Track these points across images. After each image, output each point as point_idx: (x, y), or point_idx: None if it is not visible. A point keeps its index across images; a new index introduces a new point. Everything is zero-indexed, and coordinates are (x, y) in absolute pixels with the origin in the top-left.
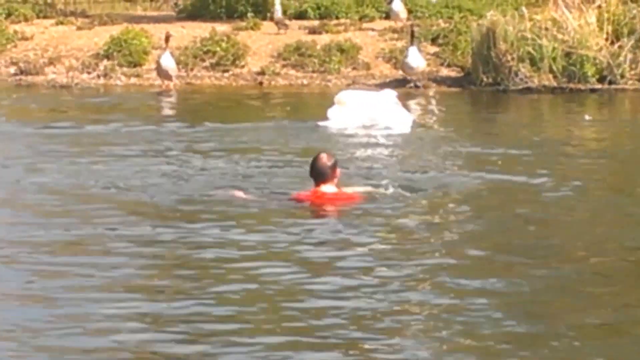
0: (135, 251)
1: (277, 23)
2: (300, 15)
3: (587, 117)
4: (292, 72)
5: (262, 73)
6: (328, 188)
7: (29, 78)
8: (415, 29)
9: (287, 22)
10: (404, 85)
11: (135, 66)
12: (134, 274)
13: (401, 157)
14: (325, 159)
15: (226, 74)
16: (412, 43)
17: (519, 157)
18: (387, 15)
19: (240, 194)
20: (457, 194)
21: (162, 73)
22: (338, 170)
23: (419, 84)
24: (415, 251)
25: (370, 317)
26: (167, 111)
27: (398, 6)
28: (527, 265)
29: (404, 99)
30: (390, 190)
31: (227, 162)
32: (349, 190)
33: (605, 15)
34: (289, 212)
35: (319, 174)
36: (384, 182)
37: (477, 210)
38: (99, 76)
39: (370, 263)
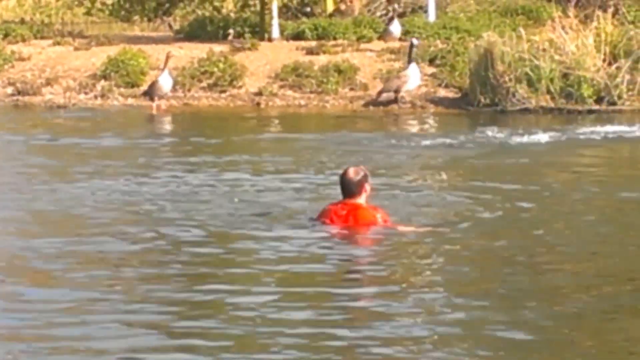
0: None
1: (231, 42)
2: (298, 36)
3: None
4: (289, 92)
5: (259, 94)
6: (353, 201)
7: (26, 98)
8: (415, 42)
9: (237, 43)
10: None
11: (132, 87)
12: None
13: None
14: (351, 174)
15: (223, 95)
16: (410, 60)
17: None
18: (381, 36)
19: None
20: (456, 222)
21: (157, 92)
22: (367, 186)
23: (404, 100)
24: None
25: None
26: (166, 130)
27: (397, 28)
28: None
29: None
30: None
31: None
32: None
33: (603, 36)
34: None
35: (345, 189)
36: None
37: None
38: (96, 97)
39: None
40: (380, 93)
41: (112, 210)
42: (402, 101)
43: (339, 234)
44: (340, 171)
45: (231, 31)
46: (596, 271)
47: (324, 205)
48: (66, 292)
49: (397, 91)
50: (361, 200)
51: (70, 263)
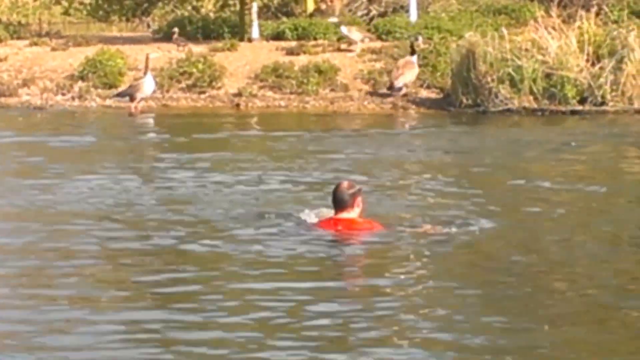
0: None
1: (175, 41)
2: (278, 36)
3: (573, 144)
4: (269, 93)
5: (239, 94)
6: (347, 215)
7: (2, 100)
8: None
9: (182, 42)
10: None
11: (110, 87)
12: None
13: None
14: (345, 186)
15: (202, 96)
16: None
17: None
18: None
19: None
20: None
21: (140, 94)
22: (359, 199)
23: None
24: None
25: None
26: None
27: (345, 30)
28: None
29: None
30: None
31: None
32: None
33: (586, 36)
34: (298, 238)
35: (337, 202)
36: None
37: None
38: (73, 98)
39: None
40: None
41: (87, 207)
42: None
43: (334, 238)
44: (335, 183)
45: (176, 29)
46: (576, 275)
47: (313, 217)
48: (35, 291)
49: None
50: (354, 214)
51: (41, 260)
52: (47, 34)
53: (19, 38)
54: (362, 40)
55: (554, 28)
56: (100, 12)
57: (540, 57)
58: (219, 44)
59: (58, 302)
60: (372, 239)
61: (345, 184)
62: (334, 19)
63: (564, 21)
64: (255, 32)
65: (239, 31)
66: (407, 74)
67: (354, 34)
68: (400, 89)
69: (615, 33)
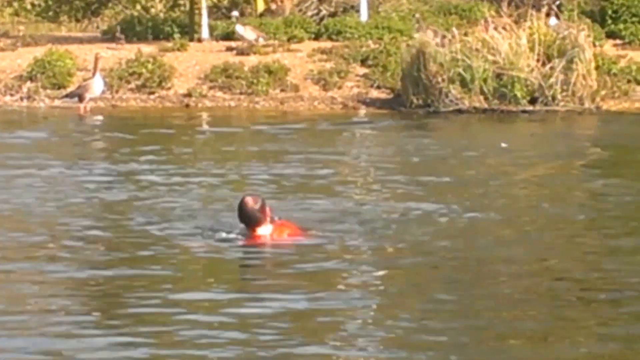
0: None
1: (114, 38)
2: (228, 36)
3: (503, 145)
4: (219, 93)
5: (188, 95)
6: (263, 230)
7: None
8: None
9: (122, 39)
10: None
11: (59, 88)
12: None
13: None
14: (251, 203)
15: (152, 96)
16: None
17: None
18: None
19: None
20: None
21: (89, 94)
22: (268, 209)
23: None
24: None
25: None
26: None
27: (241, 30)
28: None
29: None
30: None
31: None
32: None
33: (536, 36)
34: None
35: (249, 220)
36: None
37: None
38: (22, 98)
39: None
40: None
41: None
42: None
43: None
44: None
45: (118, 28)
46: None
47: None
48: None
49: None
50: (269, 225)
51: None
52: None
53: None
54: (257, 40)
55: (504, 28)
56: (50, 13)
57: (490, 57)
58: (169, 44)
59: None
60: (310, 242)
61: (249, 200)
62: (235, 13)
63: (514, 21)
64: (205, 32)
65: (189, 31)
66: None
67: (248, 33)
68: None
69: (565, 33)
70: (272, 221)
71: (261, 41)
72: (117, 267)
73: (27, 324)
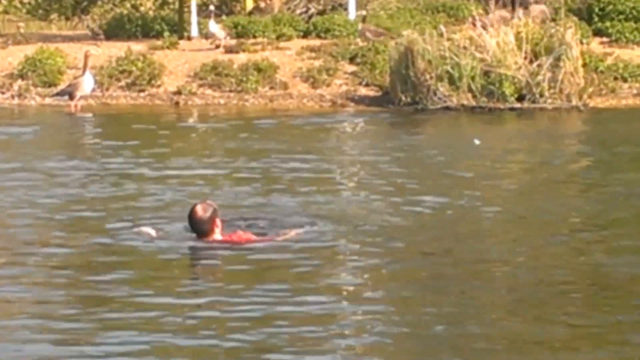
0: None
1: (94, 36)
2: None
3: (476, 142)
4: (209, 91)
5: (178, 93)
6: (214, 237)
7: None
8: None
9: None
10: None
11: (50, 86)
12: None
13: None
14: (201, 212)
15: (142, 94)
16: None
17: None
18: (206, 37)
19: (150, 232)
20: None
21: (79, 92)
22: (218, 220)
23: None
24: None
25: None
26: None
27: (214, 27)
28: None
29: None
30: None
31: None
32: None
33: (524, 34)
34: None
35: (198, 229)
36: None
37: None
38: (13, 96)
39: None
40: None
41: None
42: None
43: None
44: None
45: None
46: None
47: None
48: None
49: None
50: (217, 236)
51: None
52: None
53: None
54: (225, 38)
55: (492, 26)
56: (40, 11)
57: (478, 55)
58: (159, 42)
59: None
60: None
61: (199, 209)
62: (211, 7)
63: (502, 18)
64: (194, 30)
65: (178, 29)
66: None
67: (219, 31)
68: None
69: (552, 31)
70: (222, 233)
71: (228, 39)
72: (93, 269)
73: None
